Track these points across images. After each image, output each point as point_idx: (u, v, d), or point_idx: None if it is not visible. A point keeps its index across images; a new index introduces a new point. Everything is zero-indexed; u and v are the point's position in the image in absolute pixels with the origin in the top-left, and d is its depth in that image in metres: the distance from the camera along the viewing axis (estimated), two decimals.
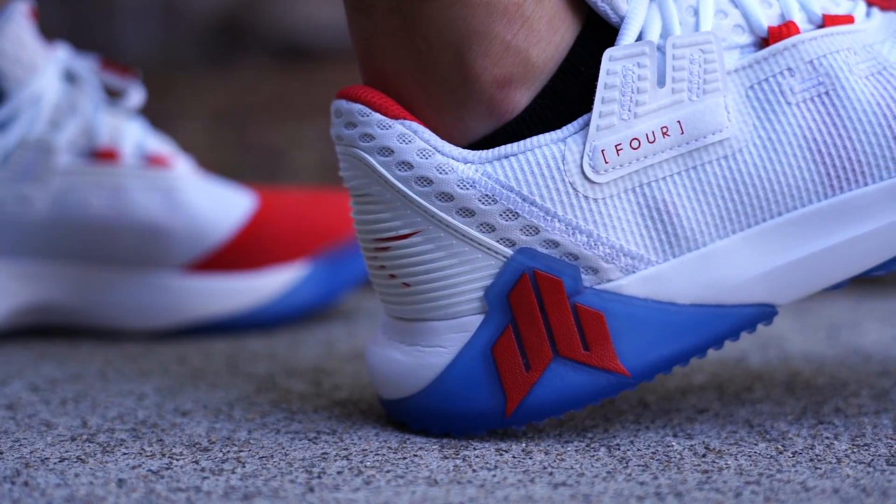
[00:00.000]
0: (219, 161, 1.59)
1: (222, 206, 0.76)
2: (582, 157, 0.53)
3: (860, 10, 0.58)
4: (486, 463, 0.52)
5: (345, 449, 0.53)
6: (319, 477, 0.50)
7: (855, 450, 0.53)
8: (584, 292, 0.54)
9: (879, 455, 0.52)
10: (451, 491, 0.48)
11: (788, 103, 0.55)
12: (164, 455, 0.53)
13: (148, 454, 0.53)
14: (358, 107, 0.53)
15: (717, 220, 0.54)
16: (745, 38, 0.55)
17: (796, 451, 0.53)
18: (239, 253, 0.76)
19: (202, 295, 0.75)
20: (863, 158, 0.55)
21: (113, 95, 0.76)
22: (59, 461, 0.52)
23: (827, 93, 0.55)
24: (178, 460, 0.52)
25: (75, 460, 0.52)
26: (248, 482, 0.49)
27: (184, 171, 0.76)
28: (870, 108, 0.55)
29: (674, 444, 0.54)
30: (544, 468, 0.51)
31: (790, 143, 0.54)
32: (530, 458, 0.52)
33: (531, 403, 0.54)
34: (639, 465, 0.51)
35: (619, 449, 0.54)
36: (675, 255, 0.54)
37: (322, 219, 0.79)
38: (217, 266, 0.76)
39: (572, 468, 0.51)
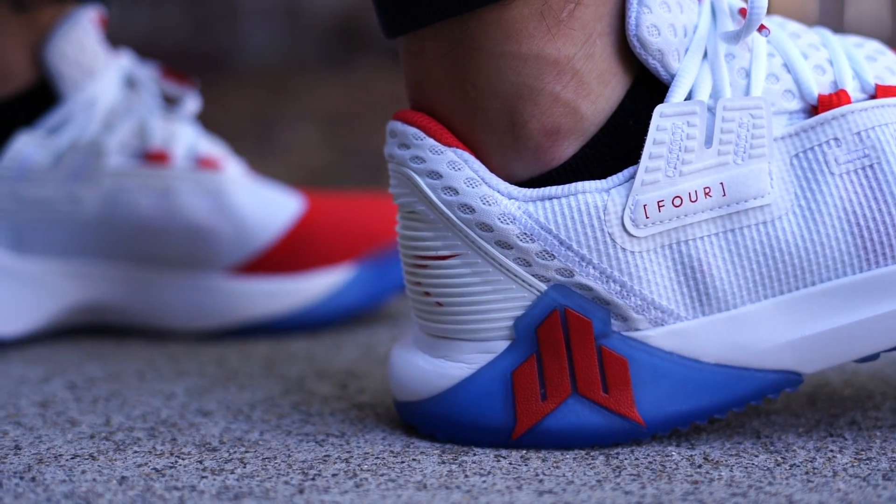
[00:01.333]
0: (327, 161, 1.62)
1: (270, 208, 0.77)
2: (623, 210, 0.53)
3: None
4: (481, 469, 0.53)
5: (348, 452, 0.55)
6: (314, 479, 0.51)
7: (855, 464, 0.53)
8: (611, 336, 0.54)
9: (878, 470, 0.52)
10: (437, 496, 0.49)
11: (832, 174, 0.54)
12: (172, 454, 0.54)
13: (157, 453, 0.55)
14: (413, 130, 0.55)
15: (749, 284, 0.54)
16: (795, 105, 0.55)
17: (795, 464, 0.53)
18: (285, 255, 0.78)
19: (248, 297, 0.77)
20: None
21: (172, 103, 0.78)
22: (72, 458, 0.54)
23: (871, 166, 0.54)
24: (184, 459, 0.54)
25: (87, 457, 0.54)
26: (243, 482, 0.51)
27: (234, 174, 0.78)
28: None
29: (674, 453, 0.54)
30: (536, 475, 0.52)
31: (829, 214, 0.54)
32: (525, 465, 0.53)
33: (540, 431, 0.54)
34: (631, 475, 0.52)
35: (617, 458, 0.54)
36: (705, 314, 0.54)
37: (369, 222, 0.80)
38: (263, 268, 0.77)
39: (564, 476, 0.52)
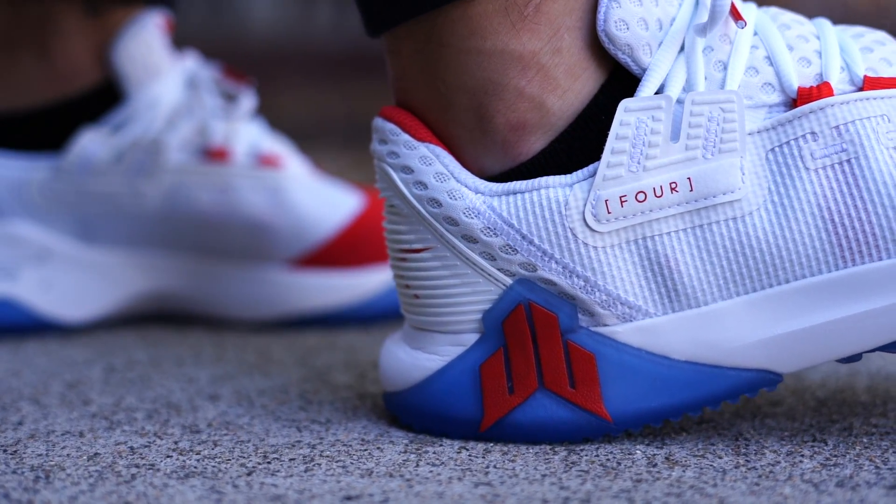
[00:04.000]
0: None
1: (328, 205, 0.80)
2: (585, 205, 0.53)
3: None
4: (437, 459, 0.53)
5: (321, 438, 0.56)
6: (269, 463, 0.53)
7: (818, 469, 0.52)
8: (578, 331, 0.54)
9: (837, 476, 0.51)
10: (376, 483, 0.50)
11: (807, 169, 0.53)
12: (155, 434, 0.57)
13: (142, 433, 0.57)
14: (390, 126, 0.56)
15: (720, 281, 0.53)
16: (775, 98, 0.54)
17: (754, 467, 0.52)
18: (342, 250, 0.80)
19: (305, 290, 0.79)
20: (878, 232, 0.53)
21: (233, 101, 0.81)
22: (62, 434, 0.57)
23: (849, 161, 0.53)
24: (162, 440, 0.56)
25: (75, 434, 0.57)
26: (203, 463, 0.53)
27: (295, 171, 0.80)
28: (891, 181, 0.53)
29: (638, 452, 0.54)
30: (486, 468, 0.52)
31: (802, 211, 0.53)
32: (483, 458, 0.54)
33: (508, 424, 0.55)
34: (580, 471, 0.52)
35: (578, 454, 0.54)
36: (675, 311, 0.54)
37: None
38: (320, 262, 0.79)
39: (512, 470, 0.52)
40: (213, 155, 0.79)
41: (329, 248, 0.79)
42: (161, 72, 0.78)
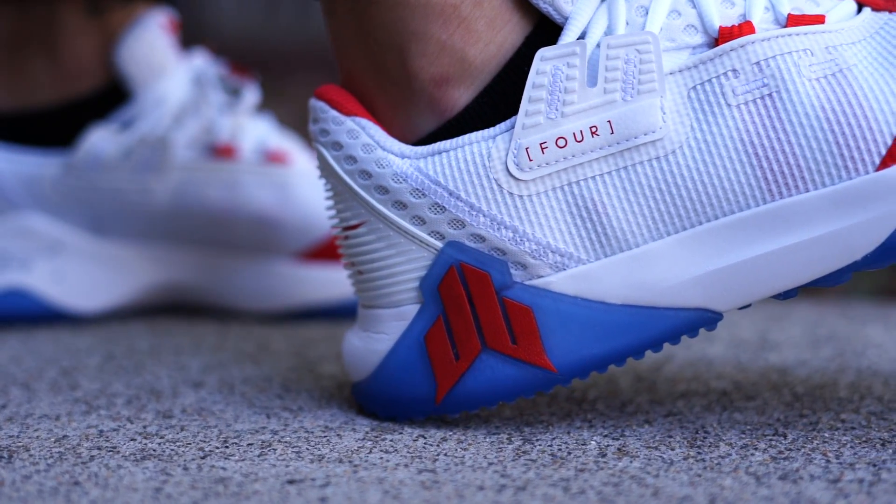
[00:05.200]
0: None
1: None
2: (507, 155, 0.54)
3: (843, 9, 0.56)
4: (391, 447, 0.54)
5: (285, 425, 0.57)
6: (227, 447, 0.54)
7: (766, 462, 0.52)
8: (513, 287, 0.55)
9: (783, 469, 0.51)
10: (322, 468, 0.51)
11: (728, 105, 0.53)
12: (127, 419, 0.58)
13: (115, 417, 0.59)
14: (320, 104, 0.57)
15: (649, 222, 0.54)
16: (698, 39, 0.54)
17: (702, 459, 0.52)
18: None
19: (311, 282, 0.81)
20: (803, 164, 0.53)
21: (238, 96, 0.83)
22: (39, 418, 0.59)
23: (770, 95, 0.53)
24: (133, 423, 0.58)
25: (52, 418, 0.59)
26: (163, 446, 0.54)
27: (302, 167, 0.81)
28: (813, 112, 0.53)
29: (592, 442, 0.55)
30: (437, 455, 0.53)
31: (726, 146, 0.53)
32: (437, 446, 0.54)
33: (460, 392, 0.56)
34: (528, 460, 0.52)
35: (532, 443, 0.54)
36: (606, 255, 0.54)
37: None
38: (325, 256, 0.81)
39: (461, 457, 0.53)
40: (220, 152, 0.80)
41: (334, 242, 0.81)
42: (166, 70, 0.80)
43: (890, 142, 0.53)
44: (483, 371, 0.55)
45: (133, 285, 0.81)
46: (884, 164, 0.53)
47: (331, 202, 0.58)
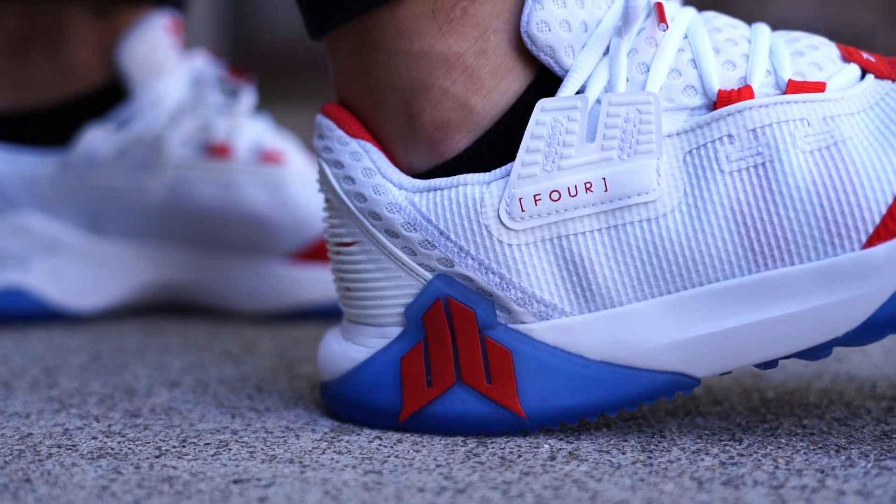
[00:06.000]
0: None
1: None
2: (500, 203, 0.54)
3: (846, 76, 0.55)
4: (347, 448, 0.55)
5: (247, 425, 0.58)
6: (183, 447, 0.55)
7: (714, 468, 0.52)
8: (496, 328, 0.55)
9: (729, 475, 0.51)
10: (269, 469, 0.52)
11: (722, 171, 0.53)
12: (94, 417, 0.59)
13: (83, 415, 0.60)
14: (327, 122, 0.57)
15: (634, 282, 0.54)
16: (697, 101, 0.54)
17: (650, 464, 0.52)
18: None
19: (303, 283, 0.82)
20: (790, 237, 0.53)
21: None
22: (10, 415, 0.60)
23: (763, 164, 0.53)
24: (99, 422, 0.59)
25: (23, 416, 0.60)
26: (123, 445, 0.55)
27: (297, 168, 0.82)
28: (804, 185, 0.53)
29: (545, 445, 0.55)
30: (388, 457, 0.54)
31: (716, 213, 0.53)
32: (391, 448, 0.55)
33: (425, 416, 0.56)
34: (476, 463, 0.53)
35: (485, 446, 0.55)
36: (590, 310, 0.54)
37: None
38: (319, 256, 0.81)
39: (411, 459, 0.53)
40: (215, 151, 0.81)
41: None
42: (165, 70, 0.81)
43: (878, 220, 0.52)
44: (452, 402, 0.56)
45: (129, 285, 0.82)
46: (870, 242, 0.52)
47: (327, 214, 0.58)
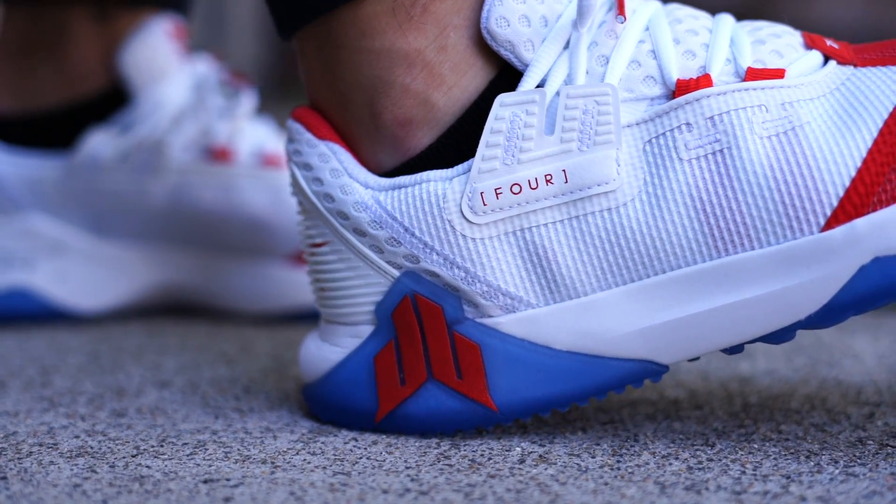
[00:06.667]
0: None
1: None
2: (462, 197, 0.55)
3: (807, 63, 0.55)
4: (322, 449, 0.55)
5: (228, 425, 0.59)
6: (161, 446, 0.56)
7: (681, 472, 0.52)
8: (464, 322, 0.56)
9: (691, 480, 0.51)
10: (240, 469, 0.53)
11: (680, 159, 0.54)
12: (81, 416, 0.61)
13: (70, 414, 0.61)
14: (296, 126, 0.58)
15: (597, 272, 0.54)
16: (656, 90, 0.55)
17: (617, 468, 0.53)
18: None
19: (303, 284, 0.82)
20: (749, 222, 0.53)
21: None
22: (0, 414, 0.62)
23: (721, 151, 0.53)
24: (85, 421, 0.60)
25: (12, 414, 0.61)
26: (103, 445, 0.56)
27: None
28: (761, 170, 0.53)
29: (517, 448, 0.55)
30: (360, 458, 0.54)
31: (675, 201, 0.54)
32: (365, 450, 0.55)
33: (401, 416, 0.57)
34: (446, 465, 0.53)
35: (458, 448, 0.55)
36: (555, 301, 0.55)
37: None
38: None
39: (381, 461, 0.54)
40: (217, 155, 0.82)
41: None
42: (167, 75, 0.83)
43: (836, 203, 0.53)
44: (426, 399, 0.56)
45: (133, 286, 0.84)
46: (828, 225, 0.53)
47: (301, 219, 0.59)
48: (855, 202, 0.52)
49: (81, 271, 0.83)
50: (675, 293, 0.54)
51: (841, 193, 0.52)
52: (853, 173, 0.52)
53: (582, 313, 0.55)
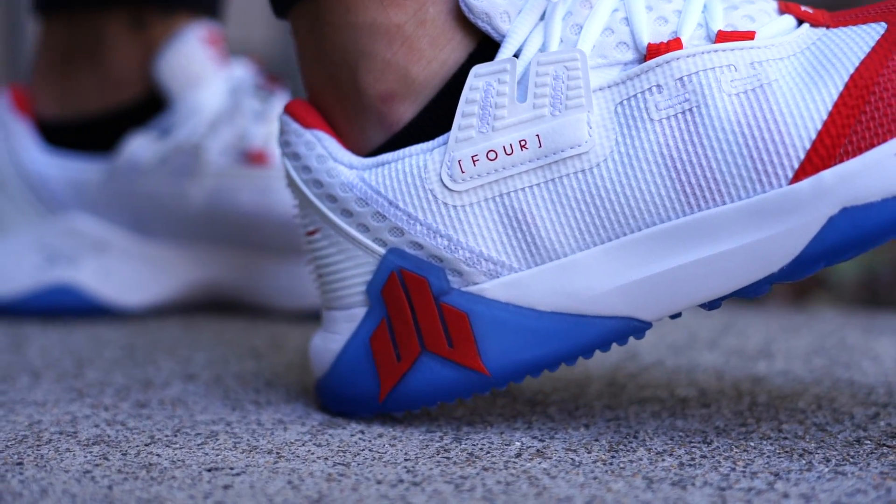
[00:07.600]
0: None
1: None
2: (441, 167, 0.57)
3: (780, 25, 0.57)
4: (328, 441, 0.57)
5: (243, 417, 0.61)
6: (175, 437, 0.58)
7: (672, 468, 0.53)
8: (450, 293, 0.57)
9: (680, 476, 0.52)
10: (246, 459, 0.55)
11: (651, 120, 0.55)
12: (104, 406, 0.63)
13: (94, 405, 0.63)
14: (285, 117, 0.61)
15: (575, 232, 0.56)
16: (629, 56, 0.56)
17: (610, 463, 0.54)
18: None
19: None
20: (719, 177, 0.55)
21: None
22: (29, 403, 0.63)
23: (690, 110, 0.55)
24: (108, 411, 0.62)
25: (40, 404, 0.64)
26: (120, 434, 0.59)
27: None
28: (729, 126, 0.54)
29: (516, 443, 0.57)
30: (362, 450, 0.56)
31: (647, 160, 0.55)
32: (369, 442, 0.57)
33: (402, 392, 0.59)
34: (444, 457, 0.55)
35: (458, 441, 0.57)
36: (536, 264, 0.57)
37: None
38: None
39: (382, 453, 0.56)
40: (253, 158, 0.85)
41: None
42: (203, 81, 0.85)
43: (803, 156, 0.54)
44: (423, 372, 0.58)
45: (174, 283, 0.87)
46: (796, 177, 0.54)
47: (296, 209, 0.61)
48: (822, 154, 0.54)
49: (124, 269, 0.86)
50: (651, 250, 0.55)
51: (808, 146, 0.54)
52: (819, 126, 0.54)
53: (562, 274, 0.56)
